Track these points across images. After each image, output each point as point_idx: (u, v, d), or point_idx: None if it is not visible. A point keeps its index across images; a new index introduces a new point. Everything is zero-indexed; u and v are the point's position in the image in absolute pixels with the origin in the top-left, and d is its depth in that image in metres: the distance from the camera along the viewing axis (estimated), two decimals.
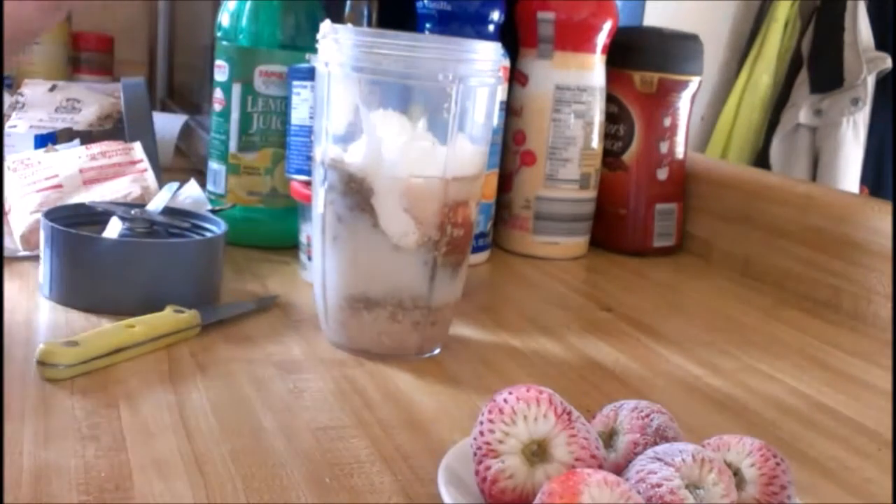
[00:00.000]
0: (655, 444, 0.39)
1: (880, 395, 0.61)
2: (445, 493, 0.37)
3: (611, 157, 0.92)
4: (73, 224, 0.62)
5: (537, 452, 0.36)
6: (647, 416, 0.40)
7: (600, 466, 0.36)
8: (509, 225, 0.89)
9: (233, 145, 0.76)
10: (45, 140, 0.89)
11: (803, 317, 0.77)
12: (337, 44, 0.54)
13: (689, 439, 0.39)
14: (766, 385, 0.60)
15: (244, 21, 0.75)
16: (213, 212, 0.71)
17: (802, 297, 0.82)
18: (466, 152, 0.55)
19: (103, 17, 1.73)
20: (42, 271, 0.61)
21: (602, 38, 0.86)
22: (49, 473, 0.39)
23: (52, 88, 1.08)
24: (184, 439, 0.43)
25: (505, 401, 0.37)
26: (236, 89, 0.75)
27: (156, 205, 0.66)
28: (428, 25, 0.81)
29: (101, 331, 0.52)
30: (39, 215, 0.62)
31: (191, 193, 0.72)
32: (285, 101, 0.74)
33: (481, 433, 0.37)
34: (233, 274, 0.70)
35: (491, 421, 0.37)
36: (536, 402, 0.37)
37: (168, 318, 0.55)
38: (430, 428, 0.48)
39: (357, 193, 0.54)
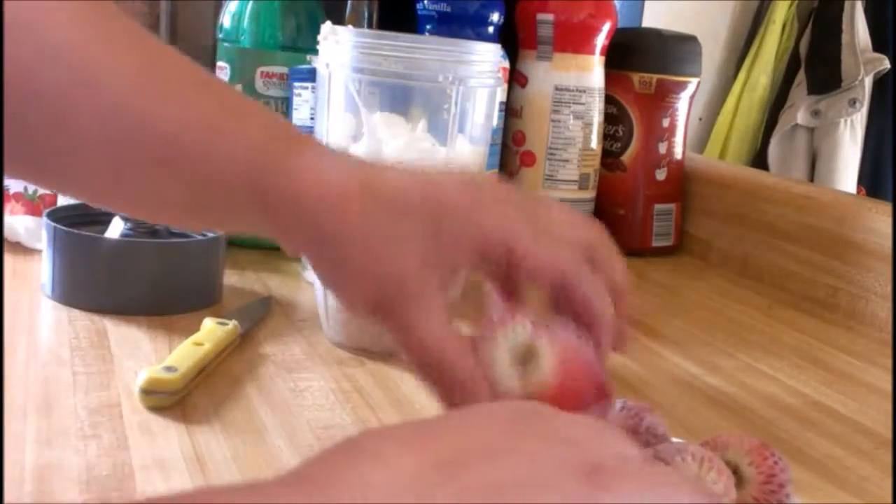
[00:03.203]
0: (647, 443, 0.39)
1: (878, 394, 0.61)
2: None
3: (610, 157, 0.92)
4: (76, 224, 0.62)
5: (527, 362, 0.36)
6: (636, 414, 0.40)
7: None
8: None
9: None
10: None
11: (801, 316, 0.77)
12: (337, 45, 0.54)
13: (688, 438, 0.40)
14: (764, 384, 0.60)
15: (245, 22, 0.75)
16: None
17: (800, 296, 0.82)
18: (466, 153, 0.56)
19: None
20: (44, 271, 0.61)
21: (601, 40, 0.86)
22: (51, 472, 0.39)
23: None
24: (185, 438, 0.44)
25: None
26: (238, 90, 0.76)
27: None
28: (428, 27, 0.81)
29: (185, 352, 0.50)
30: None
31: None
32: (286, 102, 0.74)
33: None
34: (234, 274, 0.70)
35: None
36: (512, 317, 0.37)
37: (222, 331, 0.54)
38: None
39: None
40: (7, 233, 0.69)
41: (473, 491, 0.24)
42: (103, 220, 0.64)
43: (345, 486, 0.24)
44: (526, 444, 0.26)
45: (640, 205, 0.92)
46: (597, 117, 0.88)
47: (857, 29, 1.60)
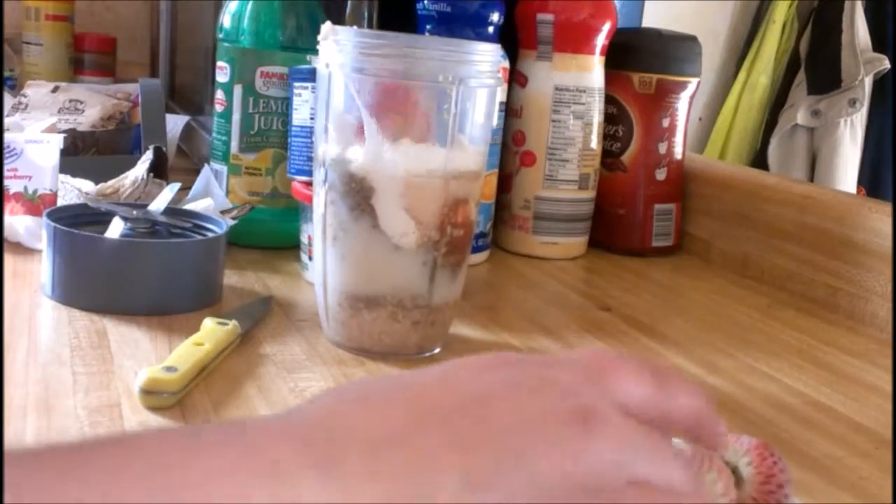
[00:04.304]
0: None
1: (878, 394, 0.61)
2: None
3: (610, 157, 0.92)
4: (76, 224, 0.62)
5: None
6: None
7: None
8: (509, 225, 0.89)
9: (234, 146, 0.77)
10: None
11: (801, 316, 0.77)
12: (337, 45, 0.54)
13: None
14: (764, 384, 0.60)
15: (245, 22, 0.75)
16: (225, 214, 0.71)
17: (800, 296, 0.82)
18: (466, 153, 0.56)
19: (105, 18, 1.73)
20: (44, 271, 0.61)
21: (601, 40, 0.86)
22: None
23: (55, 90, 1.08)
24: None
25: None
26: (237, 90, 0.76)
27: (157, 205, 0.66)
28: (428, 27, 0.81)
29: (185, 353, 0.50)
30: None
31: (205, 205, 0.72)
32: (286, 102, 0.74)
33: None
34: (234, 274, 0.70)
35: None
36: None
37: (222, 331, 0.54)
38: None
39: (357, 193, 0.54)
40: (7, 233, 0.69)
41: (462, 436, 0.25)
42: (103, 220, 0.64)
43: (341, 431, 0.25)
44: (510, 391, 0.27)
45: (640, 205, 0.92)
46: (597, 117, 0.88)
47: (857, 29, 1.60)
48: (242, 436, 0.25)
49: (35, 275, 0.64)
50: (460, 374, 0.29)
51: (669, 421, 0.30)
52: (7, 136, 0.72)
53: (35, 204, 0.72)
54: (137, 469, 0.22)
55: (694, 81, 0.92)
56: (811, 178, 1.65)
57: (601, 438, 0.27)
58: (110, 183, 0.78)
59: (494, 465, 0.25)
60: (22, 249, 0.69)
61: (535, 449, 0.26)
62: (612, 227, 0.93)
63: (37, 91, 1.08)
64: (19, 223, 0.70)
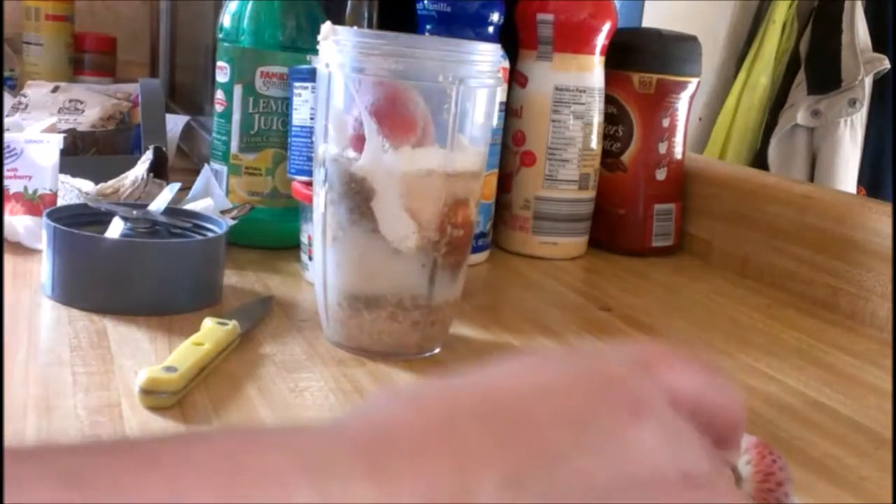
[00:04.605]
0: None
1: (878, 394, 0.61)
2: None
3: (610, 157, 0.92)
4: (75, 224, 0.62)
5: None
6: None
7: None
8: (509, 225, 0.89)
9: (234, 146, 0.77)
10: None
11: (801, 316, 0.77)
12: (337, 45, 0.54)
13: None
14: (764, 384, 0.60)
15: (245, 22, 0.75)
16: (225, 214, 0.71)
17: (800, 296, 0.82)
18: (466, 153, 0.56)
19: (105, 18, 1.74)
20: (44, 271, 0.61)
21: (601, 40, 0.86)
22: None
23: (55, 90, 1.08)
24: None
25: None
26: (237, 90, 0.76)
27: (157, 205, 0.66)
28: (428, 27, 0.81)
29: (185, 352, 0.50)
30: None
31: (205, 205, 0.72)
32: (286, 102, 0.74)
33: None
34: (234, 274, 0.70)
35: None
36: None
37: (222, 331, 0.54)
38: None
39: (357, 195, 0.54)
40: (7, 233, 0.69)
41: (504, 432, 0.25)
42: (103, 220, 0.64)
43: (380, 418, 0.25)
44: (557, 384, 0.27)
45: (640, 205, 0.92)
46: (597, 117, 0.88)
47: (857, 29, 1.60)
48: (292, 440, 0.25)
49: (35, 275, 0.64)
50: (505, 371, 0.28)
51: (708, 420, 0.30)
52: (7, 136, 0.72)
53: (35, 204, 0.72)
54: (196, 468, 0.22)
55: (694, 81, 0.92)
56: (811, 178, 1.65)
57: (654, 431, 0.26)
58: (110, 183, 0.78)
59: (538, 460, 0.25)
60: (22, 249, 0.69)
61: (584, 442, 0.25)
62: (612, 227, 0.93)
63: (37, 91, 1.08)
64: (19, 223, 0.70)
